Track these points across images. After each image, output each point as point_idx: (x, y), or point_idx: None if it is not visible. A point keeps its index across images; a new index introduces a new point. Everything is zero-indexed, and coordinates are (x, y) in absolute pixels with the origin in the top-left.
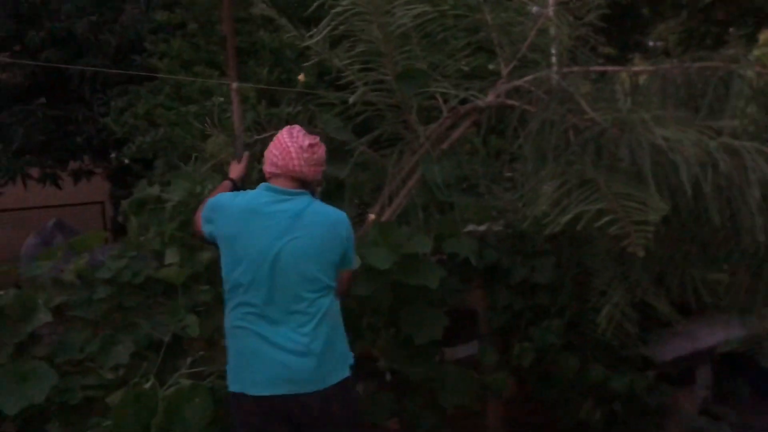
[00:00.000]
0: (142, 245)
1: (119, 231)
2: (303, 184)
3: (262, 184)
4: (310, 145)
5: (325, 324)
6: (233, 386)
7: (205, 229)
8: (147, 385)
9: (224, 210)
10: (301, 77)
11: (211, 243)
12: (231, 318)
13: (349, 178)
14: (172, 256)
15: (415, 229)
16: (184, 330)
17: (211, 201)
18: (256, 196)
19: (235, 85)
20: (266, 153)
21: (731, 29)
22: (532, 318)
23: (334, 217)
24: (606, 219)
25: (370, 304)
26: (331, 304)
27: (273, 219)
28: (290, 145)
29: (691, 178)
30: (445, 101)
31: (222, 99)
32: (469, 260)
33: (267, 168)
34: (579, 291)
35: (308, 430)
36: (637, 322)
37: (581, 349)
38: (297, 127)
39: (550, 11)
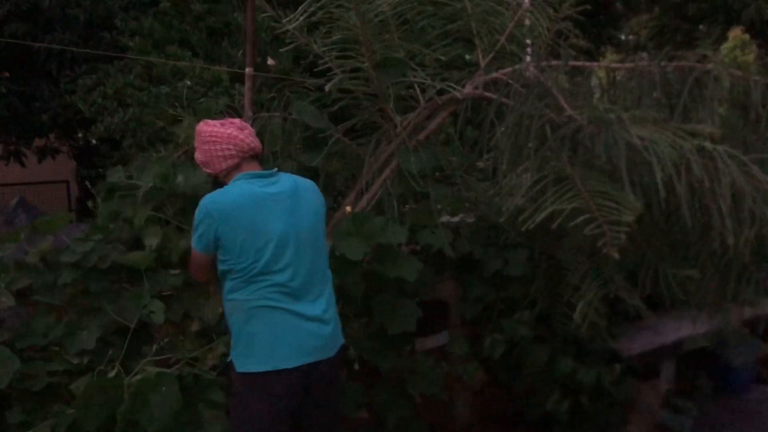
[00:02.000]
0: (111, 231)
1: (84, 211)
2: (257, 158)
3: (239, 176)
4: (241, 122)
5: (331, 291)
6: (262, 365)
7: (207, 239)
8: (112, 373)
9: (222, 210)
10: (270, 61)
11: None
12: (254, 298)
13: (324, 167)
14: (152, 238)
15: (390, 219)
16: (150, 316)
17: (201, 212)
18: (246, 185)
19: (249, 70)
20: (206, 156)
21: (701, 26)
22: (503, 310)
23: (312, 184)
24: (581, 218)
25: (342, 293)
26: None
27: (277, 202)
28: (229, 130)
29: (665, 179)
30: (422, 91)
31: (189, 83)
32: (442, 251)
33: (221, 165)
34: (550, 284)
35: (315, 396)
36: (606, 316)
37: (551, 342)
38: (207, 120)
39: (527, 1)
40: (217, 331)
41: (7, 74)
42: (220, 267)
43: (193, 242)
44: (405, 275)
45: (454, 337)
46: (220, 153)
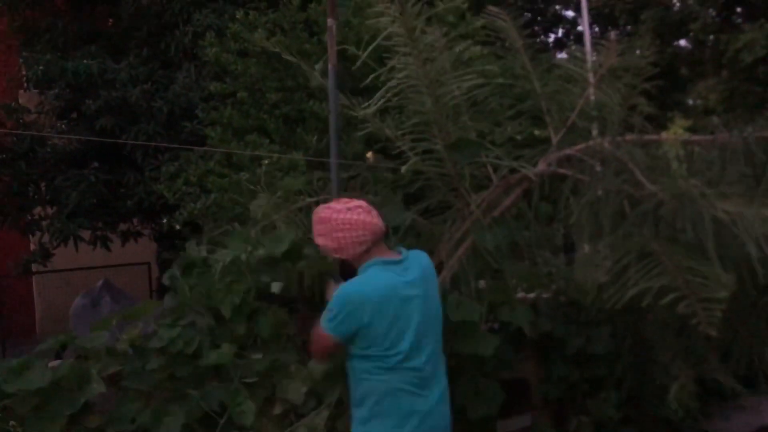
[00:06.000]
0: (192, 306)
1: (164, 292)
2: (386, 236)
3: (374, 261)
4: (366, 204)
5: (446, 370)
6: None
7: (348, 328)
8: None
9: (370, 301)
10: (369, 155)
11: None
12: (393, 380)
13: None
14: (239, 326)
15: (467, 296)
16: (240, 417)
17: (346, 301)
18: (385, 274)
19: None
20: (340, 243)
21: None
22: (588, 390)
23: (428, 259)
24: (672, 296)
25: None
26: None
27: (413, 290)
28: (361, 216)
29: (759, 254)
30: (495, 169)
31: (265, 164)
32: (521, 329)
33: (355, 251)
34: (637, 362)
35: None
36: (698, 395)
37: (640, 423)
38: (331, 204)
39: (591, 77)
40: (302, 411)
41: (96, 164)
42: (358, 352)
43: (329, 328)
44: (482, 351)
45: (537, 419)
46: (354, 239)
